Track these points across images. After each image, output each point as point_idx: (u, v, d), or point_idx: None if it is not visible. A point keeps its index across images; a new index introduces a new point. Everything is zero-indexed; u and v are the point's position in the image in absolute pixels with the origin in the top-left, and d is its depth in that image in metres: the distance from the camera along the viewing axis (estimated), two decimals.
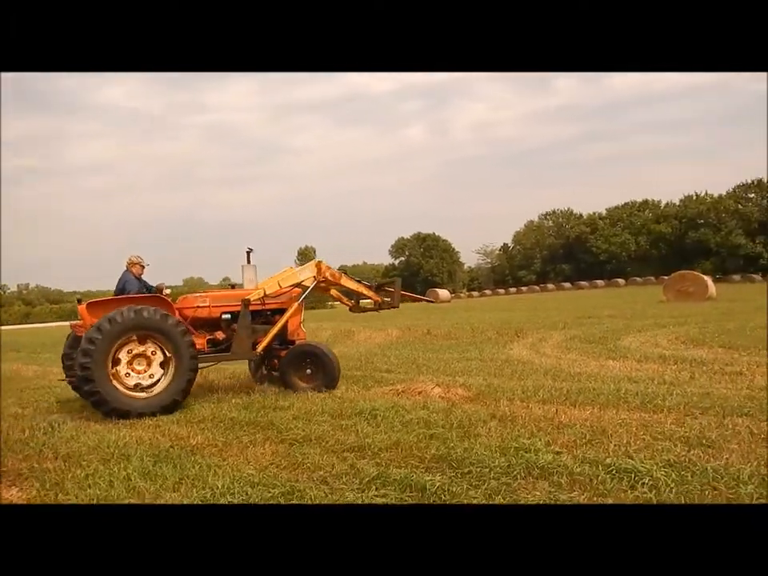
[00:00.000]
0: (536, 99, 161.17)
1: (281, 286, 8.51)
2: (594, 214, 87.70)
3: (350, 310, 9.75)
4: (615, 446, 4.68)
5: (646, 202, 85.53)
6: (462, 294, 75.79)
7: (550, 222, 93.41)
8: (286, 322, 8.51)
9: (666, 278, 34.94)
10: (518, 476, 4.15)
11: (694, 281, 29.24)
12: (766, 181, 74.41)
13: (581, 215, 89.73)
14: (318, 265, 8.73)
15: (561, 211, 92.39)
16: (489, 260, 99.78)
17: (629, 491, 3.78)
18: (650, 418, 5.57)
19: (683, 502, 3.58)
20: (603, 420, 5.56)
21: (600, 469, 4.13)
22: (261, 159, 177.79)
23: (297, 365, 8.28)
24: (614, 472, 4.06)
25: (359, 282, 9.48)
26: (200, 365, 8.06)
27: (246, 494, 4.13)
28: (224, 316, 8.38)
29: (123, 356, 7.27)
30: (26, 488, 4.66)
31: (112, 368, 7.16)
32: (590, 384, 7.53)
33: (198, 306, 8.31)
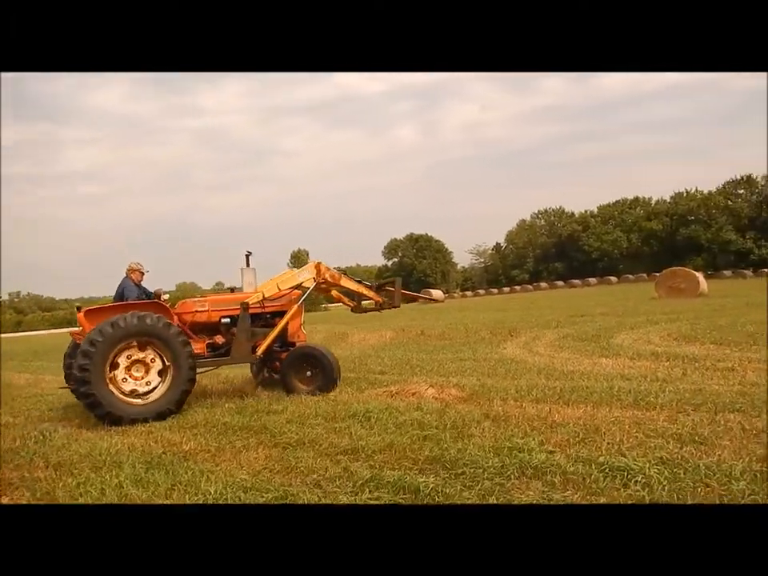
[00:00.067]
0: (525, 99, 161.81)
1: (280, 289, 8.48)
2: (586, 212, 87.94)
3: (352, 310, 9.74)
4: (608, 444, 4.69)
5: (636, 199, 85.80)
6: (455, 294, 75.79)
7: (542, 220, 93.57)
8: (286, 324, 8.48)
9: (657, 274, 35.06)
10: (512, 476, 4.15)
11: (685, 277, 29.33)
12: (755, 177, 74.99)
13: (572, 214, 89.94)
14: (318, 266, 8.68)
15: (552, 210, 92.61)
16: (482, 260, 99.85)
17: (621, 489, 3.79)
18: (642, 416, 5.58)
19: (676, 499, 3.59)
20: (596, 418, 5.56)
21: (593, 467, 4.14)
22: (251, 162, 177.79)
23: (297, 367, 8.24)
24: (606, 470, 4.07)
25: (359, 282, 9.46)
26: (200, 369, 8.07)
27: (239, 499, 4.12)
28: (223, 320, 8.37)
29: (122, 361, 7.25)
30: (16, 497, 4.63)
31: (110, 372, 7.14)
32: (583, 382, 7.55)
33: (197, 311, 8.30)
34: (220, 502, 4.07)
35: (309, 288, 8.67)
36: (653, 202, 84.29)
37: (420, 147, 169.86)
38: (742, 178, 76.44)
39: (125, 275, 8.55)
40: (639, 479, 3.89)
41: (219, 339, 8.37)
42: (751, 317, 14.90)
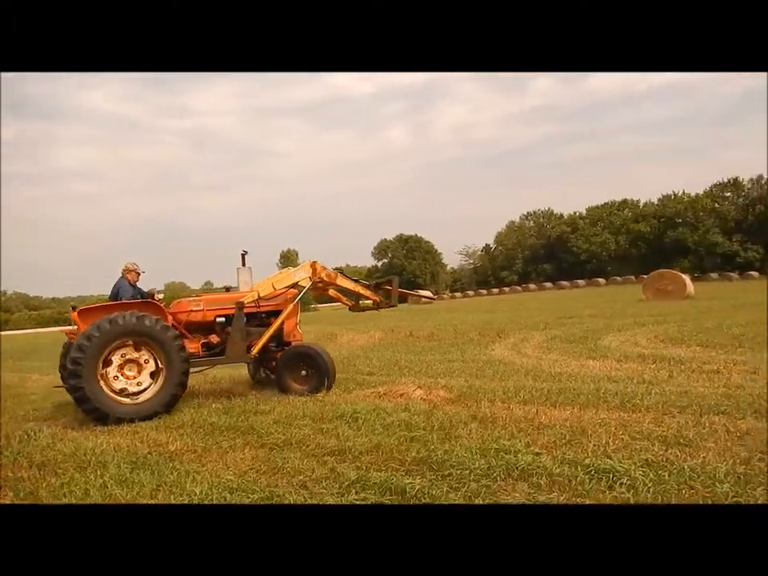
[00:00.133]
0: (515, 100, 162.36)
1: (275, 288, 8.44)
2: (575, 213, 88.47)
3: (350, 309, 9.71)
4: (594, 446, 4.71)
5: (625, 201, 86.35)
6: (444, 295, 75.91)
7: (531, 222, 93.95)
8: (282, 323, 8.45)
9: (645, 276, 35.32)
10: (498, 478, 4.16)
11: (672, 279, 29.59)
12: (742, 180, 75.73)
13: (561, 215, 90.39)
14: (313, 265, 8.63)
15: (541, 211, 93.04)
16: (471, 261, 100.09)
17: (607, 492, 3.81)
18: (628, 418, 5.61)
19: (660, 501, 3.61)
20: (583, 420, 5.59)
21: (579, 469, 4.16)
22: (241, 163, 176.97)
23: (292, 367, 8.20)
24: (592, 472, 4.09)
25: (356, 281, 9.43)
26: (195, 369, 8.08)
27: (225, 499, 4.10)
28: (218, 319, 8.34)
29: (116, 359, 7.25)
30: None
31: (102, 368, 7.12)
32: (570, 384, 7.58)
33: (192, 310, 8.28)
34: (205, 503, 4.05)
35: (305, 287, 8.62)
36: (641, 204, 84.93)
37: (410, 148, 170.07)
38: (729, 181, 77.19)
39: (120, 275, 8.53)
40: (624, 481, 3.91)
41: (214, 339, 8.34)
42: (737, 319, 15.05)
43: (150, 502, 4.17)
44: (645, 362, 9.20)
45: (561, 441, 4.92)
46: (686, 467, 4.05)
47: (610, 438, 4.90)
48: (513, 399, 6.76)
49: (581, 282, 70.40)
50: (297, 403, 7.22)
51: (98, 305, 8.12)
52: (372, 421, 5.97)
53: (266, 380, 9.32)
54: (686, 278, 30.21)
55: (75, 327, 7.81)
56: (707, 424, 5.18)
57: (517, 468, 4.27)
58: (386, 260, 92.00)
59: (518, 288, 75.19)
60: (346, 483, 4.24)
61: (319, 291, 9.53)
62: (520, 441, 4.92)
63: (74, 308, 7.91)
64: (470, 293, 78.10)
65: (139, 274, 8.63)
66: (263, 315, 8.64)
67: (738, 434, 4.83)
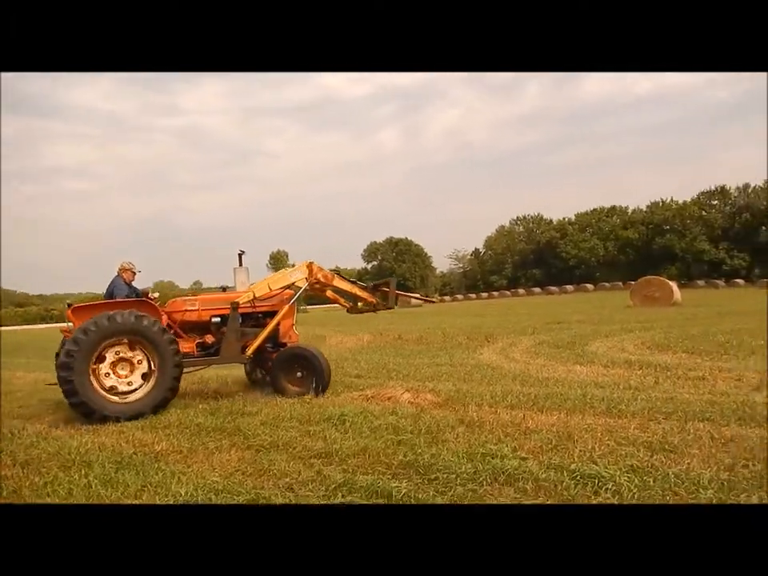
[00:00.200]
0: (507, 105, 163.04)
1: (271, 289, 8.41)
2: (564, 219, 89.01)
3: (348, 311, 9.69)
4: (580, 451, 4.72)
5: (613, 207, 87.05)
6: (434, 299, 76.02)
7: (521, 227, 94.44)
8: (278, 324, 8.42)
9: (633, 283, 35.59)
10: (485, 482, 4.17)
11: (659, 286, 29.83)
12: (729, 188, 76.53)
13: (551, 221, 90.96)
14: (309, 266, 8.59)
15: (531, 217, 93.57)
16: (461, 265, 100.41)
17: (592, 497, 3.83)
18: (614, 423, 5.64)
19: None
20: (569, 425, 5.61)
21: (565, 474, 4.17)
22: (231, 162, 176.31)
23: (287, 368, 8.15)
24: (578, 478, 4.11)
25: (353, 282, 9.40)
26: (189, 369, 8.08)
27: (210, 501, 4.07)
28: (213, 319, 8.30)
29: (109, 356, 7.23)
30: None
31: (95, 364, 7.11)
32: (557, 389, 7.62)
33: (187, 310, 8.24)
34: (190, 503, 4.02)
35: (301, 288, 8.60)
36: (629, 210, 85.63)
37: (402, 151, 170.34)
38: (716, 189, 78.09)
39: (116, 274, 8.50)
40: (610, 487, 3.93)
41: (209, 339, 8.30)
42: (722, 326, 15.20)
43: (134, 502, 4.14)
44: (631, 367, 9.26)
45: (547, 446, 4.94)
46: (670, 473, 4.08)
47: (596, 443, 4.92)
48: (500, 404, 6.78)
49: (569, 287, 70.83)
50: (284, 405, 7.20)
51: (92, 303, 8.11)
52: (359, 424, 5.96)
53: (263, 381, 9.27)
54: (673, 284, 30.48)
55: (71, 324, 7.78)
56: (692, 430, 5.22)
57: (503, 473, 4.27)
58: (375, 262, 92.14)
59: (507, 293, 75.49)
60: (333, 486, 4.23)
61: (316, 292, 9.51)
62: (507, 445, 4.93)
63: (69, 305, 7.91)
64: (460, 297, 78.30)
65: (135, 273, 8.61)
66: (259, 316, 8.61)
67: (723, 441, 4.87)
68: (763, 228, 71.94)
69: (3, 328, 59.32)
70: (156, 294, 8.71)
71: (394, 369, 10.50)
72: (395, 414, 6.32)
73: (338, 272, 9.33)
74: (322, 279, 8.67)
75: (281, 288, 8.53)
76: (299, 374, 8.07)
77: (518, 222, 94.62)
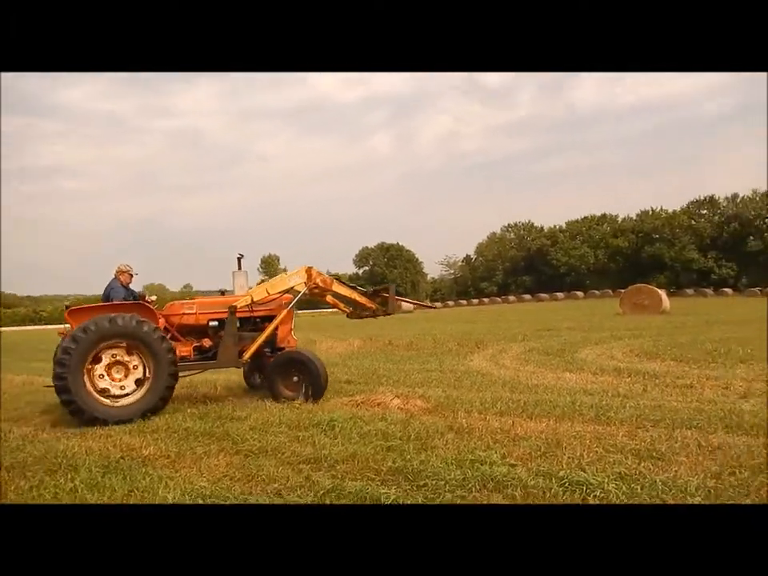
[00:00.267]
0: (500, 112, 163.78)
1: (269, 293, 8.38)
2: (555, 227, 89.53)
3: (348, 316, 9.66)
4: (569, 458, 4.74)
5: (604, 216, 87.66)
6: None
7: (512, 234, 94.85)
8: (275, 328, 8.39)
9: (622, 291, 35.81)
10: (473, 489, 4.17)
11: (649, 294, 30.02)
12: (718, 198, 77.30)
13: (542, 228, 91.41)
14: (308, 270, 8.55)
15: (522, 224, 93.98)
16: (452, 271, 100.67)
17: (580, 504, 3.83)
18: (603, 431, 5.67)
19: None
20: (558, 432, 5.63)
21: (553, 481, 4.18)
22: (223, 165, 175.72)
23: (283, 373, 8.11)
24: (566, 485, 4.12)
25: (353, 288, 9.35)
26: (186, 372, 8.07)
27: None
28: (211, 323, 8.28)
29: (106, 358, 7.21)
30: None
31: (90, 364, 7.10)
32: (546, 396, 7.64)
33: (185, 313, 8.21)
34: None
35: (299, 293, 8.58)
36: (619, 219, 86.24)
37: (394, 157, 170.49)
38: (705, 199, 78.87)
39: (113, 276, 8.46)
40: (598, 494, 3.95)
41: (207, 342, 8.27)
42: (710, 335, 15.32)
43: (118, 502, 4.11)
44: (620, 375, 9.31)
45: (536, 453, 4.95)
46: (658, 481, 4.10)
47: (584, 450, 4.94)
48: (489, 410, 6.79)
49: (560, 294, 71.13)
50: (273, 410, 7.18)
51: (90, 305, 8.09)
52: (348, 429, 5.95)
53: (262, 386, 9.22)
54: (662, 293, 30.66)
55: (68, 326, 7.74)
56: (679, 438, 5.25)
57: (492, 479, 4.28)
58: (366, 268, 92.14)
59: (498, 299, 75.75)
60: (321, 492, 4.22)
61: (317, 297, 9.49)
62: (496, 452, 4.94)
63: (67, 307, 7.92)
64: (450, 303, 78.40)
65: (132, 276, 8.57)
66: (257, 320, 8.59)
67: (710, 449, 4.90)
68: (751, 238, 72.70)
69: None
70: (153, 297, 8.68)
71: (384, 374, 10.49)
72: (385, 420, 6.31)
73: (337, 277, 9.31)
74: (320, 284, 8.63)
75: (279, 292, 8.51)
76: (295, 378, 8.04)
77: (510, 229, 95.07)
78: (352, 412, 6.84)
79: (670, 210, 79.97)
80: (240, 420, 6.76)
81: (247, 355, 8.07)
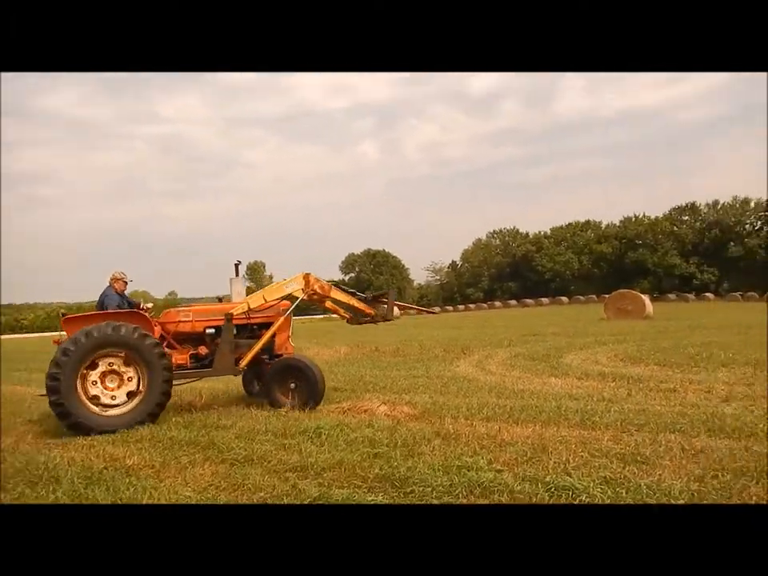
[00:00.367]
0: (485, 120, 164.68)
1: (266, 300, 8.33)
2: (540, 233, 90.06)
3: (348, 322, 9.62)
4: (555, 463, 4.76)
5: (588, 222, 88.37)
6: (411, 311, 76.18)
7: (497, 240, 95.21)
8: (273, 335, 8.34)
9: (606, 296, 36.10)
10: (460, 495, 4.18)
11: (632, 299, 30.28)
12: (699, 204, 78.31)
13: (527, 234, 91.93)
14: (306, 277, 8.50)
15: (507, 230, 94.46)
16: (438, 277, 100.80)
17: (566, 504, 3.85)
18: (588, 435, 5.70)
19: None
20: (544, 437, 5.65)
21: (539, 487, 4.20)
22: (209, 172, 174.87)
23: (280, 380, 8.05)
24: (552, 490, 4.14)
25: (352, 294, 9.30)
26: (181, 381, 8.01)
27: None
28: (208, 330, 8.19)
29: (102, 365, 7.13)
30: None
31: (86, 369, 7.04)
32: (532, 401, 7.67)
33: (181, 321, 8.13)
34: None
35: (297, 299, 8.53)
36: (603, 225, 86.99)
37: (380, 164, 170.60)
38: (687, 205, 79.81)
39: (108, 284, 8.39)
40: (584, 498, 3.97)
41: (203, 350, 8.18)
42: (693, 339, 15.49)
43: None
44: (605, 380, 9.37)
45: (522, 458, 4.97)
46: (642, 484, 4.13)
47: (570, 455, 4.96)
48: (476, 416, 6.80)
49: (545, 300, 71.47)
50: (259, 418, 7.14)
51: (85, 314, 8.02)
52: (335, 437, 5.93)
53: (260, 393, 9.15)
54: (646, 298, 30.96)
55: (63, 335, 7.67)
56: (663, 442, 5.29)
57: (479, 485, 4.29)
58: (353, 274, 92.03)
59: (484, 305, 75.93)
60: (308, 500, 4.20)
61: (315, 303, 9.45)
62: (482, 458, 4.95)
63: (63, 314, 7.89)
64: (437, 309, 78.44)
65: (126, 283, 8.51)
66: (254, 327, 8.53)
67: (693, 452, 4.96)
68: (732, 243, 73.74)
69: None
70: (150, 305, 8.61)
71: (370, 381, 10.47)
72: (371, 427, 6.30)
73: (336, 283, 9.28)
74: (319, 290, 8.59)
75: (276, 299, 8.46)
76: (293, 385, 7.98)
77: (495, 236, 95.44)
78: (338, 419, 6.82)
79: (653, 217, 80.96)
80: (225, 428, 6.70)
81: (244, 363, 8.02)
